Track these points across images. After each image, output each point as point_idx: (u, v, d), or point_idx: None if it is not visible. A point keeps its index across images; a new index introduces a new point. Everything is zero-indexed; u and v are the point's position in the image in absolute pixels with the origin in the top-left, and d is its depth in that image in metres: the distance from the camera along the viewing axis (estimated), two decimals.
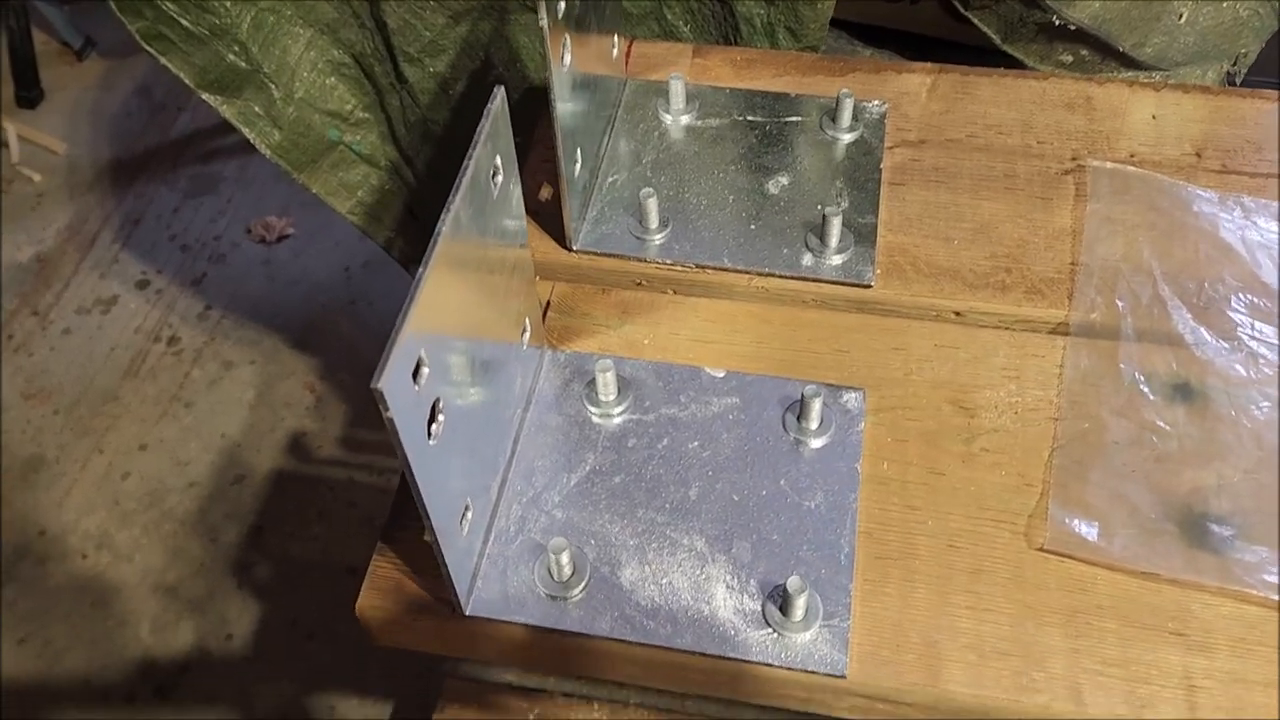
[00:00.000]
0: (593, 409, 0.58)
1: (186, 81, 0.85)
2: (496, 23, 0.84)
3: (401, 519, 0.54)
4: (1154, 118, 0.72)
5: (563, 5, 0.55)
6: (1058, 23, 0.78)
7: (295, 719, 1.35)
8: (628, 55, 0.76)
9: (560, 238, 0.66)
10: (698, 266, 0.65)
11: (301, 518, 1.52)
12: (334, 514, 1.52)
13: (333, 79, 0.91)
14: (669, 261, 0.65)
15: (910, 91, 0.74)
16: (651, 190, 0.64)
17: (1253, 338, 0.60)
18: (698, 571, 0.52)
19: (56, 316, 1.78)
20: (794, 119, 0.72)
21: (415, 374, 0.41)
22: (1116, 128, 0.71)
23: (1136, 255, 0.64)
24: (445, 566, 0.47)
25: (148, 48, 0.82)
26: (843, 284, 0.64)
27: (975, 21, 0.81)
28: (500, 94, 0.47)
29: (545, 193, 0.69)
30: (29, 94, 2.10)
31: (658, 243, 0.65)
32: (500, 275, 0.52)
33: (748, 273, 0.64)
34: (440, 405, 0.43)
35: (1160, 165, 0.69)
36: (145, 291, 1.81)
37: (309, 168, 0.95)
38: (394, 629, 0.53)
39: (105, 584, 1.46)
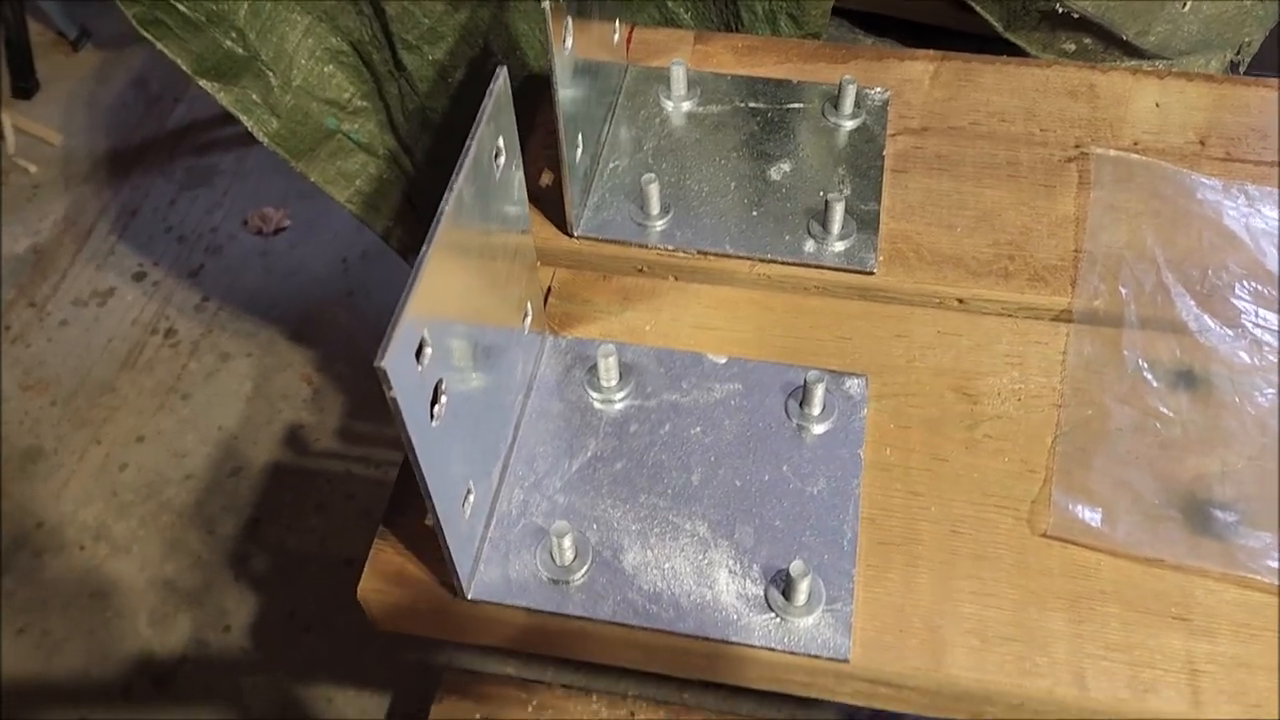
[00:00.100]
0: (594, 395, 0.58)
1: (183, 68, 0.85)
2: (496, 9, 0.84)
3: (403, 504, 0.54)
4: (1157, 105, 0.72)
5: None
6: (1061, 10, 0.77)
7: (293, 711, 1.35)
8: (629, 41, 0.76)
9: (561, 224, 0.65)
10: (699, 253, 0.64)
11: (299, 510, 1.52)
12: (331, 506, 1.52)
13: (331, 66, 0.91)
14: (670, 248, 0.65)
15: (913, 79, 0.74)
16: (653, 176, 0.64)
17: (1256, 325, 0.60)
18: (700, 556, 0.52)
19: (53, 308, 1.77)
20: (796, 106, 0.72)
21: (418, 355, 0.40)
22: (1120, 115, 0.71)
23: (1140, 242, 0.64)
24: (447, 550, 0.47)
25: (144, 33, 0.81)
26: (845, 271, 0.64)
27: (978, 9, 0.81)
28: (503, 74, 0.47)
29: (546, 179, 0.69)
30: (24, 84, 2.09)
31: (659, 229, 0.65)
32: (502, 261, 0.52)
33: (749, 259, 0.64)
34: (443, 387, 0.43)
35: (1164, 153, 0.69)
36: (142, 283, 1.81)
37: (307, 156, 0.94)
38: (396, 614, 0.53)
39: (103, 575, 1.46)
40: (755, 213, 0.66)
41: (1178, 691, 0.49)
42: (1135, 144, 0.70)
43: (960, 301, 0.63)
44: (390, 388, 0.37)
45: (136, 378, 1.68)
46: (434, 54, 0.87)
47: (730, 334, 0.62)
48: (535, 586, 0.51)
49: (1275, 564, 0.52)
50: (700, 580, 0.51)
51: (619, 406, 0.58)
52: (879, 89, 0.72)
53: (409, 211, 1.04)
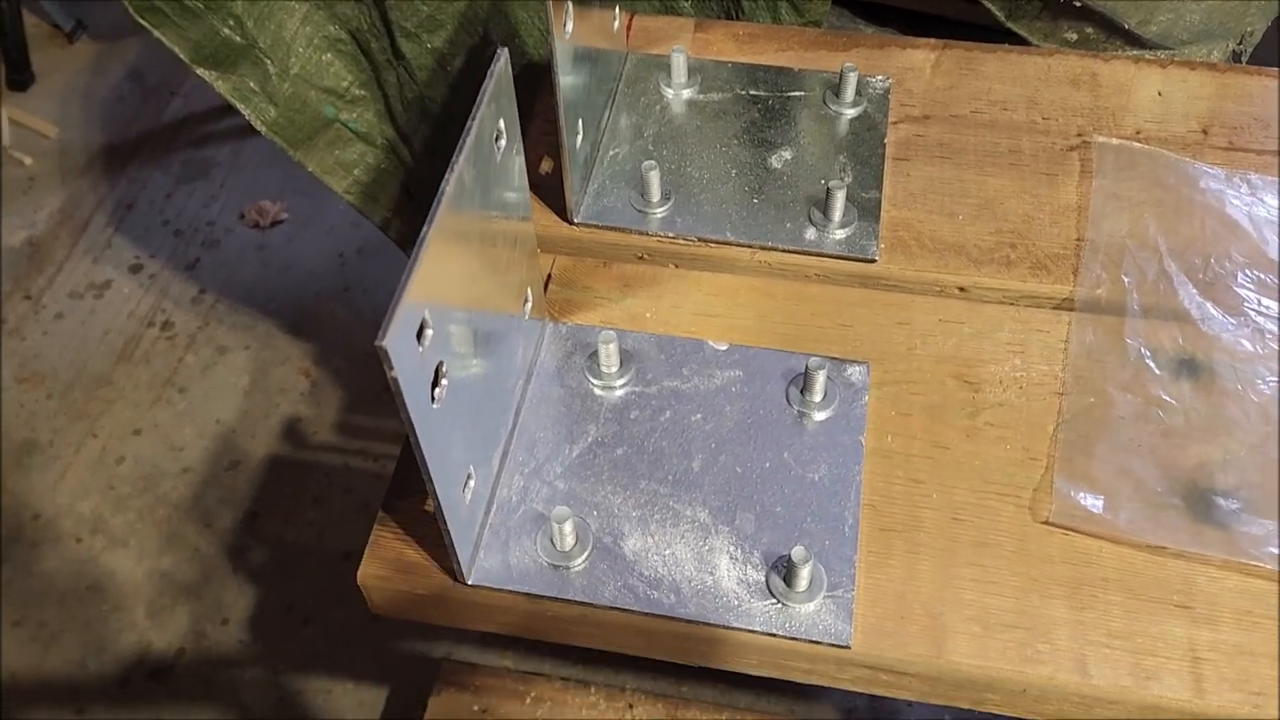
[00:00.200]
0: (594, 381, 0.58)
1: (180, 56, 0.84)
2: None
3: (403, 489, 0.54)
4: (1160, 94, 0.72)
5: None
6: None
7: (290, 704, 1.35)
8: (629, 29, 0.76)
9: (561, 211, 0.65)
10: (700, 240, 0.64)
11: (297, 503, 1.51)
12: (329, 499, 1.52)
13: (329, 55, 0.90)
14: (671, 235, 0.64)
15: (914, 67, 0.74)
16: (654, 163, 0.64)
17: (1259, 313, 0.60)
18: (701, 543, 0.52)
19: (49, 300, 1.77)
20: (797, 94, 0.71)
21: (419, 336, 0.40)
22: (1122, 104, 0.71)
23: (1142, 231, 0.64)
24: (448, 535, 0.47)
25: (141, 21, 0.81)
26: (846, 258, 0.63)
27: None
28: (504, 56, 0.46)
29: (546, 166, 0.69)
30: (20, 77, 2.08)
31: (660, 216, 0.65)
32: (502, 248, 0.51)
33: (750, 246, 0.64)
34: (444, 369, 0.43)
35: (1166, 142, 0.69)
36: (138, 276, 1.80)
37: (305, 145, 0.94)
38: (395, 599, 0.52)
39: (100, 568, 1.46)
40: (756, 200, 0.66)
41: (1180, 679, 0.49)
42: (1138, 133, 0.70)
43: (962, 290, 0.63)
44: (391, 367, 0.37)
45: (133, 371, 1.68)
46: (433, 42, 0.87)
47: (731, 321, 0.62)
48: (536, 572, 0.51)
49: (1277, 551, 0.52)
50: (701, 566, 0.51)
51: (619, 393, 0.58)
52: (880, 77, 0.72)
53: (407, 202, 1.04)
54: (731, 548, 0.52)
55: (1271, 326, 0.59)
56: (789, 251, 0.64)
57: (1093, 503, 0.54)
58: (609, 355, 0.57)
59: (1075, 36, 0.80)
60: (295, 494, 1.52)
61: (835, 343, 0.61)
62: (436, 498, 0.44)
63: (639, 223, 0.65)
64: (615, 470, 0.54)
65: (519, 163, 0.52)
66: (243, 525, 1.50)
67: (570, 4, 0.57)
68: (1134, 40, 0.80)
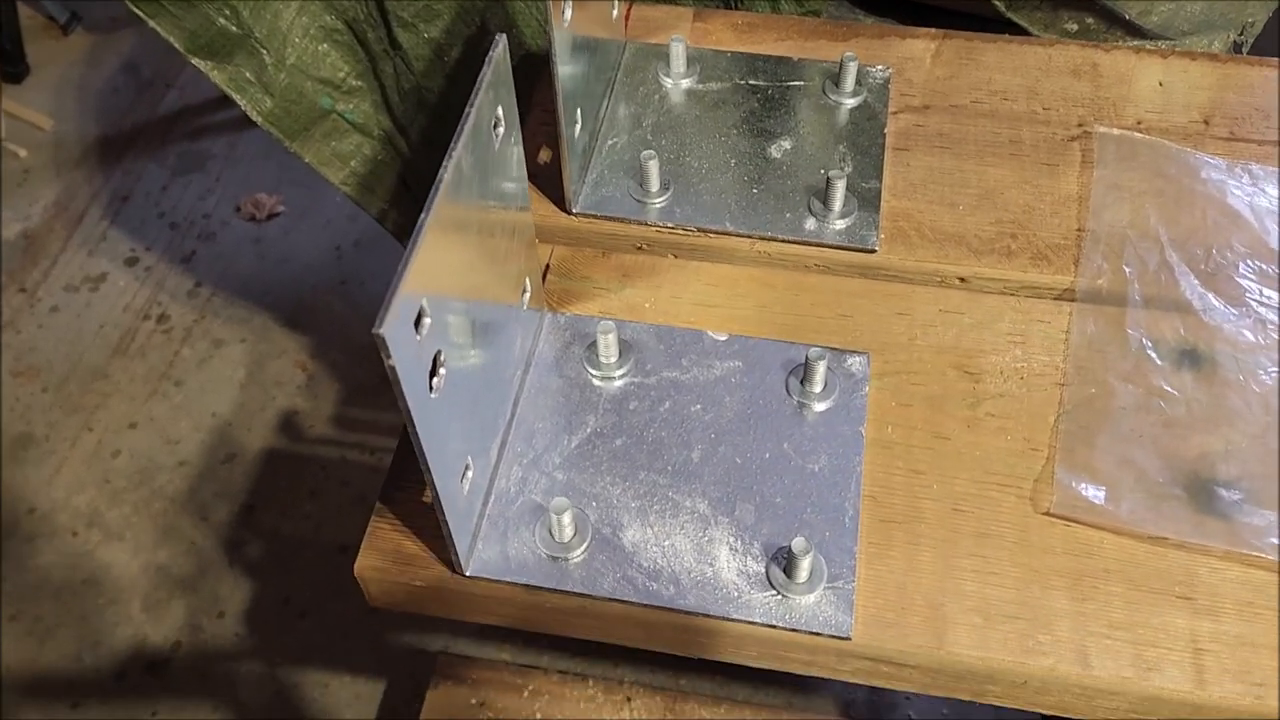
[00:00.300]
0: (593, 372, 0.58)
1: (176, 46, 0.83)
2: None
3: (401, 480, 0.54)
4: (1161, 85, 0.71)
5: None
6: None
7: (287, 698, 1.34)
8: (627, 18, 0.75)
9: (560, 200, 0.65)
10: (699, 230, 0.64)
11: (293, 496, 1.51)
12: (326, 493, 1.51)
13: (325, 45, 0.90)
14: (670, 225, 0.64)
15: (914, 57, 0.73)
16: (653, 152, 0.63)
17: (1260, 303, 0.60)
18: (700, 534, 0.52)
19: (44, 294, 1.76)
20: (796, 83, 0.71)
21: (417, 324, 0.40)
22: (1123, 94, 0.71)
23: (1143, 222, 0.64)
24: (446, 526, 0.46)
25: (136, 10, 0.80)
26: (846, 249, 0.63)
27: None
28: (502, 42, 0.46)
29: (544, 155, 0.68)
30: (14, 69, 2.07)
31: (659, 206, 0.64)
32: (500, 238, 0.51)
33: (750, 237, 0.64)
34: (441, 359, 0.42)
35: (1168, 132, 0.68)
36: (134, 269, 1.79)
37: (301, 136, 0.93)
38: (393, 591, 0.52)
39: (96, 562, 1.45)
40: (756, 190, 0.65)
41: (1181, 670, 0.49)
42: (1139, 123, 0.69)
43: (962, 280, 0.63)
44: (389, 355, 0.36)
45: (129, 364, 1.67)
46: (430, 32, 0.86)
47: (730, 311, 0.61)
48: (534, 563, 0.50)
49: (1279, 542, 0.52)
50: (701, 557, 0.51)
51: (618, 384, 0.57)
52: (880, 67, 0.72)
53: (404, 194, 1.03)
54: (731, 539, 0.51)
55: (1273, 317, 0.59)
56: (789, 242, 0.63)
57: (1094, 493, 0.53)
58: (608, 346, 0.57)
59: (1075, 27, 0.80)
60: (292, 487, 1.52)
61: (835, 333, 0.60)
62: (434, 488, 0.44)
63: (638, 213, 0.64)
64: (614, 461, 0.54)
65: (517, 152, 0.52)
66: (239, 518, 1.49)
67: None
68: (1135, 31, 0.80)
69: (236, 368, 1.66)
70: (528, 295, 0.57)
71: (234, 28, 0.84)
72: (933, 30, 0.75)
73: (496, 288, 0.52)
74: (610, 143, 0.68)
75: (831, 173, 0.62)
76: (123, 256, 1.81)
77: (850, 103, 0.70)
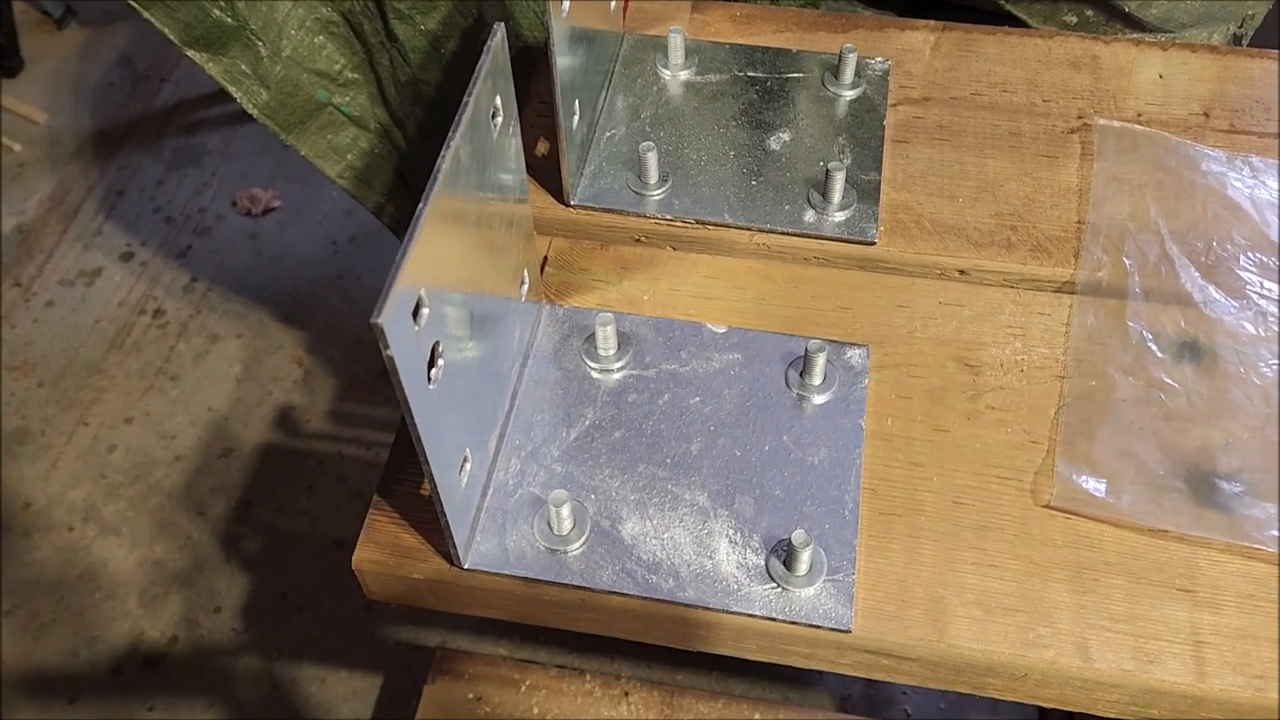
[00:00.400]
0: (592, 364, 0.57)
1: (171, 38, 0.83)
2: None
3: (399, 473, 0.53)
4: (1161, 77, 0.71)
5: None
6: None
7: (284, 692, 1.34)
8: (625, 9, 0.75)
9: (558, 193, 0.64)
10: (698, 222, 0.63)
11: (290, 491, 1.51)
12: (323, 488, 1.51)
13: (321, 37, 0.89)
14: (669, 217, 0.64)
15: (914, 49, 0.73)
16: (651, 144, 0.63)
17: (1261, 296, 0.60)
18: (700, 526, 0.51)
19: (39, 288, 1.75)
20: (795, 75, 0.71)
21: (415, 315, 0.39)
22: (1123, 86, 0.70)
23: (1144, 214, 0.63)
24: (444, 519, 0.46)
25: (131, 2, 0.80)
26: (846, 241, 0.63)
27: None
28: (501, 30, 0.45)
29: (542, 147, 0.68)
30: (8, 63, 2.06)
31: (657, 198, 0.64)
32: (499, 230, 0.51)
33: (749, 229, 0.63)
34: (440, 349, 0.42)
35: (1168, 124, 0.68)
36: (129, 263, 1.79)
37: (297, 129, 0.93)
38: (391, 584, 0.52)
39: (92, 557, 1.45)
40: (754, 182, 0.65)
41: (1182, 663, 0.48)
42: (1139, 115, 0.69)
43: (962, 272, 0.63)
44: (387, 345, 0.36)
45: (124, 359, 1.66)
46: (426, 24, 0.86)
47: (729, 304, 0.61)
48: (533, 556, 0.50)
49: (1279, 534, 0.51)
50: (700, 550, 0.51)
51: (617, 376, 0.57)
52: (879, 59, 0.71)
53: (401, 187, 1.03)
54: (731, 531, 0.51)
55: (1273, 309, 0.59)
56: (788, 234, 0.63)
57: (1094, 486, 0.53)
58: (606, 338, 0.57)
59: (1075, 19, 0.80)
60: (288, 482, 1.51)
61: (835, 325, 0.60)
62: (433, 480, 0.44)
63: (636, 205, 0.64)
64: (613, 453, 0.54)
65: (515, 143, 0.52)
66: (235, 513, 1.49)
67: None
68: (1134, 23, 0.80)
69: (232, 363, 1.66)
70: (526, 287, 0.57)
71: (229, 19, 0.83)
72: (932, 22, 0.75)
73: (494, 279, 0.51)
74: (608, 135, 0.68)
75: (831, 165, 0.62)
76: (118, 251, 1.81)
77: (849, 95, 0.70)
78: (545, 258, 0.64)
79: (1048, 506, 0.53)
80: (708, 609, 0.49)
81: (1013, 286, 0.62)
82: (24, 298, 1.74)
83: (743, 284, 0.62)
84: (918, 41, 0.73)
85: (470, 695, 1.19)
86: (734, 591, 0.49)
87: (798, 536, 0.48)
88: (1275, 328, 0.58)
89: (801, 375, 0.57)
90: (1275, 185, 0.64)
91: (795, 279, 0.62)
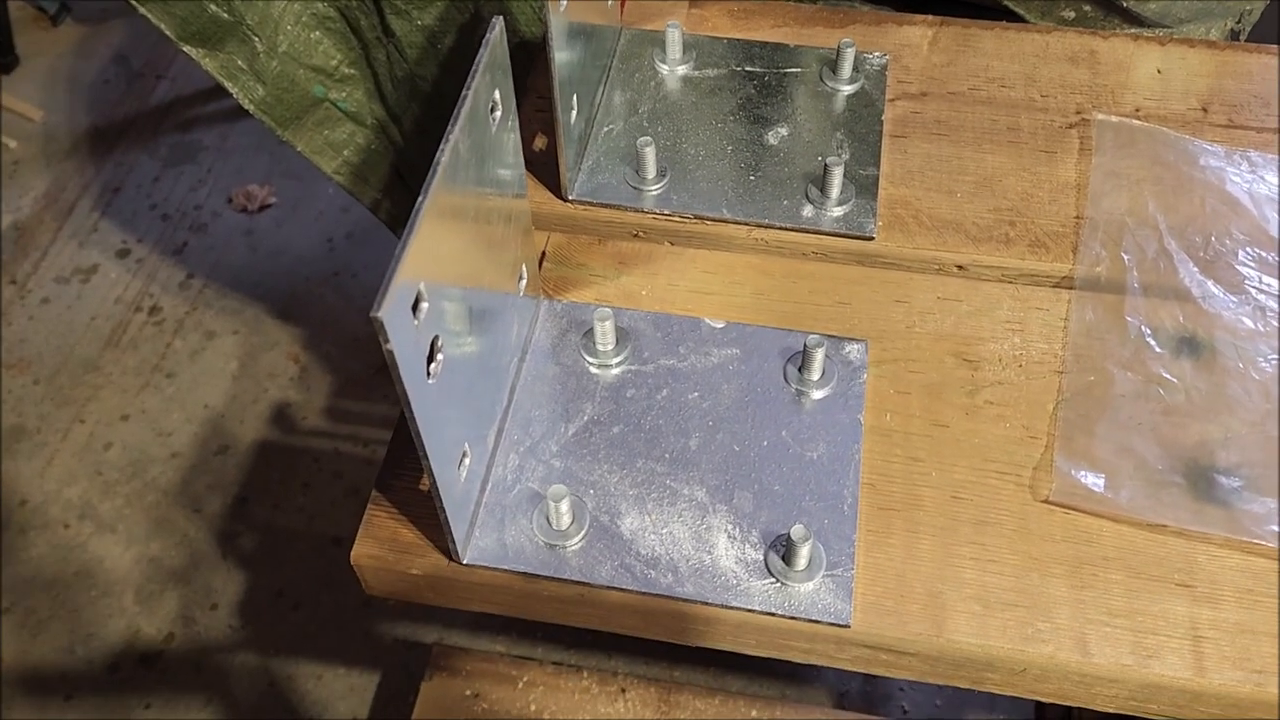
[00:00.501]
0: (590, 359, 0.57)
1: (167, 34, 0.83)
2: None
3: (397, 468, 0.53)
4: (1159, 72, 0.71)
5: None
6: None
7: (281, 689, 1.34)
8: (623, 4, 0.74)
9: (555, 188, 0.64)
10: (696, 217, 0.63)
11: (286, 488, 1.50)
12: (319, 484, 1.51)
13: (317, 33, 0.89)
14: (666, 212, 0.64)
15: (911, 44, 0.73)
16: (649, 139, 0.63)
17: (1260, 290, 0.60)
18: (699, 521, 0.51)
19: (35, 285, 1.75)
20: (793, 70, 0.71)
21: (414, 309, 0.39)
22: (1121, 81, 0.70)
23: (1142, 209, 0.63)
24: (443, 514, 0.46)
25: None
26: (844, 236, 0.63)
27: None
28: (499, 24, 0.45)
29: (540, 142, 0.68)
30: (3, 60, 2.06)
31: (655, 193, 0.64)
32: (497, 225, 0.51)
33: (747, 224, 0.63)
34: (439, 344, 0.42)
35: (1166, 119, 0.68)
36: (125, 260, 1.78)
37: (293, 125, 0.92)
38: (389, 579, 0.52)
39: (88, 554, 1.45)
40: (752, 177, 0.65)
41: (1181, 658, 0.48)
42: (1137, 110, 0.69)
43: (960, 267, 0.62)
44: (387, 340, 0.36)
45: (120, 356, 1.66)
46: (423, 19, 0.86)
47: (727, 299, 0.61)
48: (532, 551, 0.50)
49: (1279, 529, 0.51)
50: (699, 545, 0.50)
51: (615, 371, 0.57)
52: (877, 53, 0.71)
53: (397, 183, 1.03)
54: (730, 526, 0.51)
55: (1272, 304, 0.59)
56: (786, 229, 0.63)
57: (1093, 481, 0.53)
58: (604, 333, 0.56)
59: (1073, 15, 0.80)
60: (284, 479, 1.51)
61: (833, 320, 0.60)
62: (432, 475, 0.43)
63: (634, 200, 0.64)
64: (612, 449, 0.54)
65: (514, 138, 0.52)
66: (232, 510, 1.49)
67: None
68: (1132, 18, 0.80)
69: (229, 360, 1.65)
70: (524, 282, 0.56)
71: (225, 15, 0.83)
72: (930, 17, 0.74)
73: (493, 275, 0.51)
74: (606, 129, 0.67)
75: (829, 160, 0.62)
76: (114, 248, 1.80)
77: (847, 90, 0.69)
78: (543, 253, 0.64)
79: (1046, 501, 0.53)
80: (707, 604, 0.49)
81: (1011, 282, 0.62)
82: (20, 295, 1.74)
83: (741, 279, 0.62)
84: (915, 36, 0.73)
85: (467, 692, 1.19)
86: (733, 586, 0.49)
87: (796, 531, 0.48)
88: (1274, 322, 0.58)
89: (800, 370, 0.56)
90: (1273, 180, 0.64)
91: (793, 274, 0.62)
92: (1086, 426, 0.55)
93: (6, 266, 1.77)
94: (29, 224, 1.84)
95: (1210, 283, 0.60)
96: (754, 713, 1.18)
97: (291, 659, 1.36)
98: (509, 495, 0.52)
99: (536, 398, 0.56)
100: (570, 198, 0.64)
